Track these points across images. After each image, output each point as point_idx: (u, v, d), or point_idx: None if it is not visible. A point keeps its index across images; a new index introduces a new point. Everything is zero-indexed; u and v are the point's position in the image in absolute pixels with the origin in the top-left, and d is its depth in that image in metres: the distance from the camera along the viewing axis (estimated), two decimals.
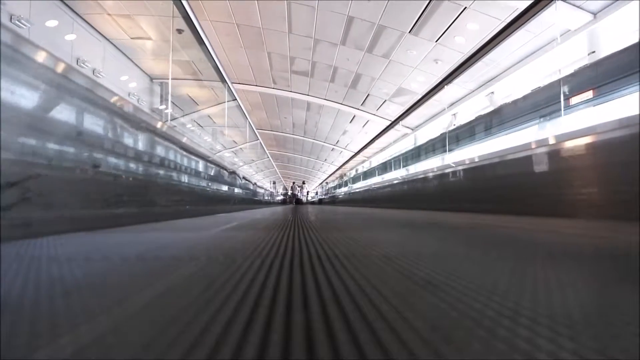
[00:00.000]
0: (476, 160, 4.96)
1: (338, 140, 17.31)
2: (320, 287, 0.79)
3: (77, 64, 7.58)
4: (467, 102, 8.64)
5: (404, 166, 10.08)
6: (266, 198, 18.48)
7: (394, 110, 11.15)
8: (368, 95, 10.64)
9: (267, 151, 21.36)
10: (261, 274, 0.91)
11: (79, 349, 0.46)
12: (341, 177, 21.62)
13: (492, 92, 7.79)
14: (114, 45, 8.95)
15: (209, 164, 5.68)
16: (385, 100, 10.69)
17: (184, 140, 4.38)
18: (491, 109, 7.10)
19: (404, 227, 2.71)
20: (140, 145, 3.03)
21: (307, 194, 32.95)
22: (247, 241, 1.72)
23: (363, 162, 17.95)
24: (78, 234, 1.79)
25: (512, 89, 7.35)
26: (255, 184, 14.31)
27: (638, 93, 3.13)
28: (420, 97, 9.02)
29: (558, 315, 0.58)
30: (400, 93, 9.86)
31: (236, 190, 8.87)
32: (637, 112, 2.34)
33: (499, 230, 2.30)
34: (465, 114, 8.97)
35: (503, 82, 7.41)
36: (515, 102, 5.62)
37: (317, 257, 1.19)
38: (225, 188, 7.14)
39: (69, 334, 0.50)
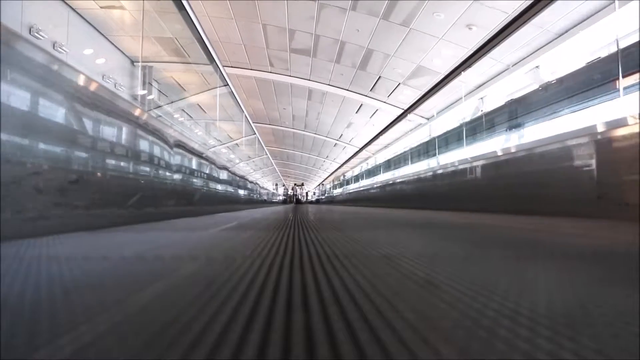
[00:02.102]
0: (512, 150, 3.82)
1: (341, 134, 15.83)
2: (320, 286, 0.78)
3: (29, 33, 6.14)
4: (502, 81, 7.11)
5: (395, 168, 10.22)
6: (268, 198, 18.40)
7: (408, 96, 9.64)
8: (379, 78, 9.12)
9: (265, 148, 19.84)
10: (261, 274, 0.90)
11: (79, 349, 0.45)
12: (338, 178, 21.87)
13: (537, 67, 6.26)
14: (84, 18, 7.46)
15: (202, 161, 5.03)
16: (399, 84, 9.18)
17: (171, 132, 3.76)
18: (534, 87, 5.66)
19: (399, 226, 2.68)
20: (115, 138, 2.54)
21: (306, 194, 36.05)
22: (248, 241, 1.68)
23: (367, 158, 16.72)
24: (78, 234, 1.78)
25: (566, 62, 5.82)
26: (255, 182, 13.52)
27: None
28: (443, 76, 7.50)
29: (558, 315, 0.57)
30: (419, 73, 8.34)
31: (239, 191, 8.60)
32: None
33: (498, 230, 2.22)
34: (498, 96, 7.45)
35: (554, 52, 5.87)
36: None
37: (317, 257, 1.18)
38: (224, 188, 6.69)
39: (69, 334, 0.50)
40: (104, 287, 0.79)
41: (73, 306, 0.63)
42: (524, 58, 6.35)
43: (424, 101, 8.62)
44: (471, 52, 6.39)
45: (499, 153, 4.61)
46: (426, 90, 8.04)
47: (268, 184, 27.47)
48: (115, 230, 2.04)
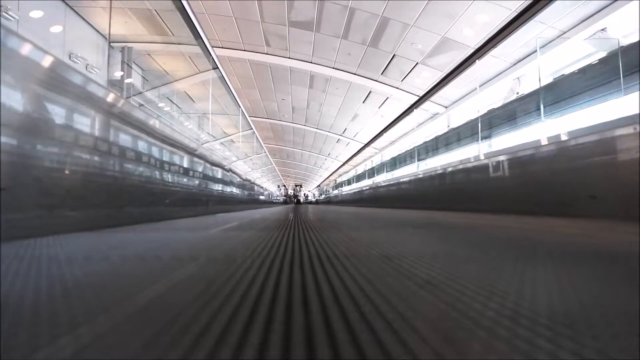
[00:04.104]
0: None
1: (345, 129, 14.60)
2: (320, 286, 0.79)
3: None
4: (550, 52, 5.68)
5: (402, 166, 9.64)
6: (268, 198, 18.57)
7: (425, 79, 8.35)
8: (393, 56, 7.82)
9: (263, 145, 18.43)
10: (261, 274, 0.92)
11: (79, 349, 0.46)
12: (339, 177, 22.23)
13: (604, 29, 4.82)
14: None
15: (195, 159, 4.67)
16: (416, 64, 7.88)
17: (151, 123, 3.38)
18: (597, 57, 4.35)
19: (400, 226, 2.77)
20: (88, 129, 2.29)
21: (306, 195, 37.48)
22: (248, 241, 1.73)
23: (372, 156, 15.33)
24: (78, 234, 1.84)
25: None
26: (254, 183, 12.53)
27: None
28: (473, 50, 6.09)
29: (558, 315, 0.59)
30: (442, 48, 7.02)
31: (238, 191, 8.59)
32: None
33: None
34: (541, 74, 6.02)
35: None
36: None
37: (317, 257, 1.21)
38: (222, 188, 6.56)
39: (69, 334, 0.51)
40: (104, 287, 0.80)
41: (73, 306, 0.64)
42: (588, 18, 4.92)
43: (447, 83, 7.29)
44: (516, 13, 4.94)
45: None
46: (452, 68, 6.65)
47: (267, 183, 26.27)
48: (115, 231, 2.09)
